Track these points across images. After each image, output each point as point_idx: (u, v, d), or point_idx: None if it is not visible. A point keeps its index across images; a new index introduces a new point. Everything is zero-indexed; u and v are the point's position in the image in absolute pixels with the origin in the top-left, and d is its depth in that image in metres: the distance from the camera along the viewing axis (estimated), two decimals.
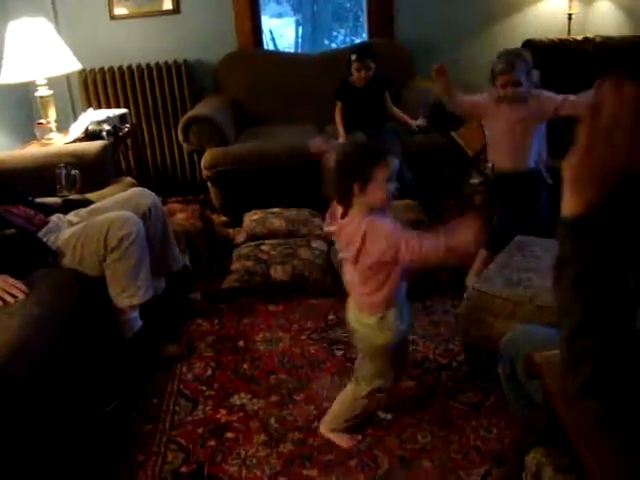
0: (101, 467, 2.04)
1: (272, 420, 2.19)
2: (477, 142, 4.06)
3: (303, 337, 2.66)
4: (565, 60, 3.61)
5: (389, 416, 2.16)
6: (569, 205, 1.01)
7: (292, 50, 7.56)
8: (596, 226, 0.99)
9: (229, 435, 2.14)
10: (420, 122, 3.75)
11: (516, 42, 3.69)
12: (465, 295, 2.38)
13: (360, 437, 2.08)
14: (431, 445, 2.04)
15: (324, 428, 2.11)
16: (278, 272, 2.94)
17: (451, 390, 2.27)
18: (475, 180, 3.98)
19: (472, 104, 2.86)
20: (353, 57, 3.71)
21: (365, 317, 1.90)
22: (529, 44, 3.67)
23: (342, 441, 2.07)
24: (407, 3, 4.29)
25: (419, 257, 1.72)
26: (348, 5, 7.73)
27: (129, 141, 4.00)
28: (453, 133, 3.98)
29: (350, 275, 1.92)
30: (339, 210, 1.86)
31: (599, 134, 0.95)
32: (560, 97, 2.70)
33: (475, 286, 2.29)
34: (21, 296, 2.07)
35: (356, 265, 1.84)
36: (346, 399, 2.07)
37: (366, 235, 1.77)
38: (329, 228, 1.94)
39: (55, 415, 2.01)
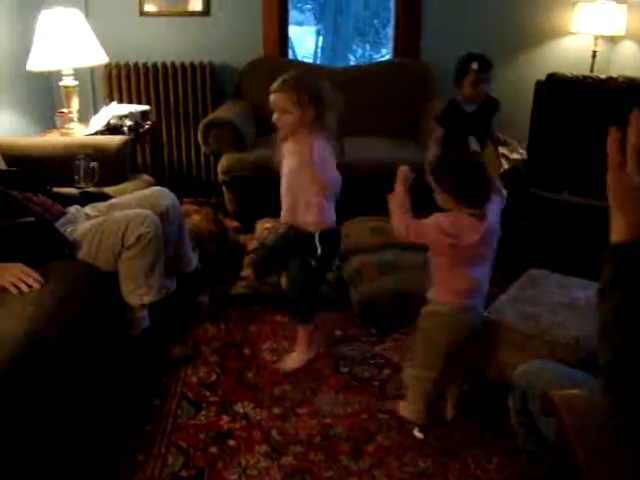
0: (101, 464, 2.04)
1: (274, 432, 2.19)
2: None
3: None
4: (587, 97, 3.63)
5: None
6: (615, 228, 1.00)
7: (310, 60, 7.60)
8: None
9: (231, 443, 2.14)
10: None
11: (540, 74, 3.72)
12: None
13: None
14: (431, 470, 2.04)
15: None
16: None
17: (454, 417, 2.28)
18: None
19: None
20: (474, 66, 3.02)
21: None
22: (552, 78, 3.70)
23: None
24: (435, 25, 4.32)
25: None
26: (375, 21, 7.74)
27: (147, 138, 4.00)
28: None
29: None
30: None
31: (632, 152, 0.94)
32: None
33: (486, 315, 2.30)
34: (36, 286, 2.07)
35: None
36: None
37: None
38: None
39: (59, 408, 2.01)
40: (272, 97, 2.32)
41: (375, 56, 7.70)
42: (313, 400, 2.36)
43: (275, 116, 2.33)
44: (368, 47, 8.09)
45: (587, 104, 3.59)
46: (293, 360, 2.53)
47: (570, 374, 1.62)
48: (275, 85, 2.30)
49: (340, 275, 3.06)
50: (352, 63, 7.48)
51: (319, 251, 2.37)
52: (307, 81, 2.32)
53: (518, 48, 4.37)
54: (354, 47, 8.26)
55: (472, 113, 3.17)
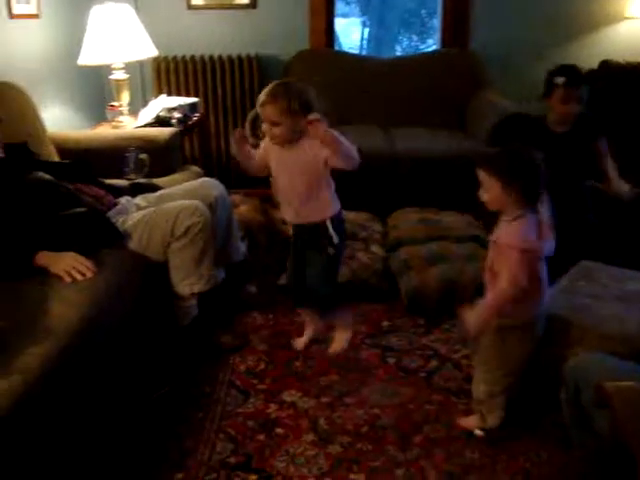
0: (152, 449, 2.09)
1: (322, 421, 2.20)
2: None
3: (356, 341, 2.66)
4: None
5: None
6: None
7: (356, 51, 7.58)
8: None
9: (278, 431, 2.16)
10: (629, 192, 2.88)
11: (593, 62, 3.64)
12: None
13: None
14: (479, 462, 2.02)
15: None
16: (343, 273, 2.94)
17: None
18: None
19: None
20: (559, 81, 2.72)
21: None
22: (605, 65, 3.62)
23: None
24: (484, 13, 4.26)
25: None
26: (423, 11, 7.67)
27: (196, 130, 4.05)
28: None
29: None
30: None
31: None
32: None
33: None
34: (89, 275, 2.11)
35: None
36: None
37: None
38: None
39: (111, 395, 2.06)
40: (261, 110, 2.20)
41: (421, 47, 7.64)
42: (360, 390, 2.36)
43: (265, 127, 2.23)
44: (415, 38, 8.04)
45: None
46: (339, 343, 2.53)
47: (624, 366, 1.60)
48: (263, 97, 2.18)
49: (387, 266, 3.05)
50: (398, 54, 7.45)
51: (335, 239, 2.34)
52: (295, 88, 2.20)
53: (570, 35, 4.26)
54: (400, 38, 8.21)
55: (563, 134, 2.85)
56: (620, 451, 1.30)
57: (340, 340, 2.53)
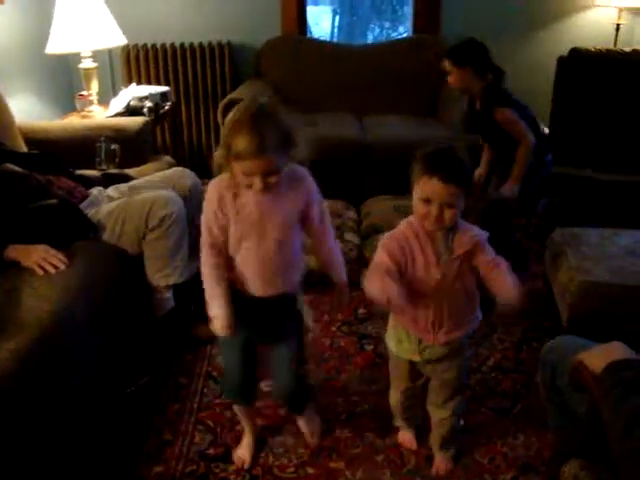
0: (130, 442, 2.07)
1: None
2: None
3: (333, 329, 2.67)
4: (610, 71, 3.57)
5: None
6: None
7: (327, 39, 7.54)
8: None
9: (257, 421, 2.14)
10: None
11: (562, 49, 3.66)
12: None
13: None
14: (457, 447, 2.04)
15: None
16: (310, 261, 2.93)
17: (480, 394, 2.27)
18: None
19: None
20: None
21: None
22: (575, 53, 3.63)
23: None
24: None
25: None
26: None
27: (167, 119, 4.00)
28: None
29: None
30: None
31: None
32: None
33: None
34: (62, 267, 2.08)
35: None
36: None
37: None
38: None
39: (86, 387, 2.03)
40: (252, 163, 1.54)
41: (393, 34, 7.62)
42: (338, 378, 2.37)
43: (243, 181, 1.61)
44: (386, 25, 8.01)
45: (611, 78, 3.53)
46: (314, 431, 2.11)
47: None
48: (253, 146, 1.51)
49: (362, 254, 3.05)
50: (370, 42, 7.42)
51: (310, 321, 2.02)
52: (272, 118, 1.58)
53: (540, 22, 4.29)
54: (371, 26, 8.18)
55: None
56: (596, 434, 1.32)
57: (313, 428, 2.11)
